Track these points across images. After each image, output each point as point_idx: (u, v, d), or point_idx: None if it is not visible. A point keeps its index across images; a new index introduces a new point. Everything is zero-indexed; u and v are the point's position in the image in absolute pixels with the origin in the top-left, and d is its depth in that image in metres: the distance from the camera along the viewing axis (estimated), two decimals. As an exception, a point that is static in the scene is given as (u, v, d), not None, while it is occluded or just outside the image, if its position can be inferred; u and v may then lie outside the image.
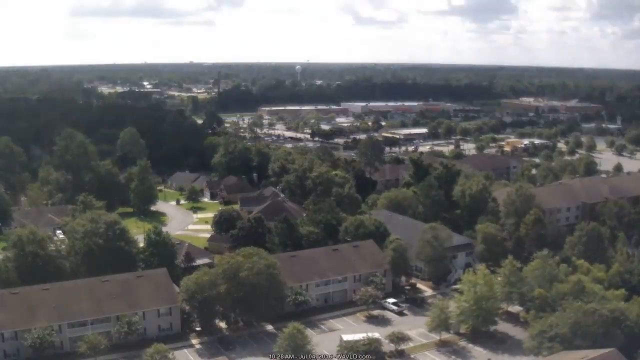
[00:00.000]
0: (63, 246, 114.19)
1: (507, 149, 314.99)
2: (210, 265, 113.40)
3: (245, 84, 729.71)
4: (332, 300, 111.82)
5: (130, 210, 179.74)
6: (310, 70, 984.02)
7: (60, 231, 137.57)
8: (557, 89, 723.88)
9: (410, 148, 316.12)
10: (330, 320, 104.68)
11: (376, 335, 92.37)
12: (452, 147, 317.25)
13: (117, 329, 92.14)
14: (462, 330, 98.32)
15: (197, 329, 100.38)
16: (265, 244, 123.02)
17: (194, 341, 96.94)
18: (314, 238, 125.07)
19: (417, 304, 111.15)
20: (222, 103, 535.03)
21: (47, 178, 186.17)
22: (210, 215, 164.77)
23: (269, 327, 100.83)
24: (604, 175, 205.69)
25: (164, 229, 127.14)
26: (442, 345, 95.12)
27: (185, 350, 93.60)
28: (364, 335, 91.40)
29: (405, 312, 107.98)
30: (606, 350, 72.82)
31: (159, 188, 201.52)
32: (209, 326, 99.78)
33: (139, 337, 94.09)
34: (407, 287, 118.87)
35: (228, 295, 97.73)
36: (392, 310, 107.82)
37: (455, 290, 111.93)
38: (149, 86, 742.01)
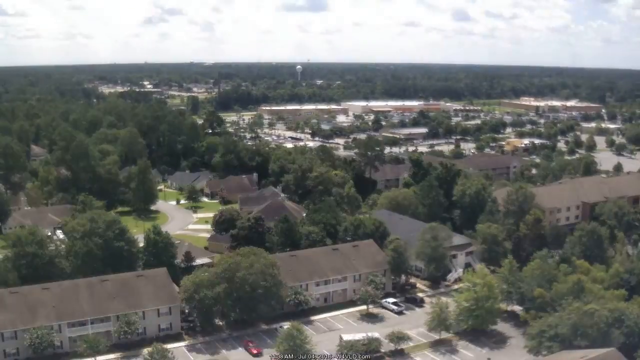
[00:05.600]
0: (63, 246, 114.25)
1: (508, 148, 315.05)
2: (210, 265, 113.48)
3: (245, 84, 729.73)
4: (331, 300, 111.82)
5: (130, 209, 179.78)
6: (311, 70, 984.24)
7: (60, 231, 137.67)
8: (557, 89, 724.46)
9: (411, 148, 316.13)
10: (330, 320, 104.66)
11: (376, 334, 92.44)
12: (452, 147, 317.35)
13: (117, 329, 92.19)
14: (461, 330, 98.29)
15: (197, 328, 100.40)
16: (265, 243, 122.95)
17: (194, 340, 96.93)
18: (313, 238, 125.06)
19: (416, 303, 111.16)
20: (223, 103, 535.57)
21: (47, 178, 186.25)
22: (210, 215, 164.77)
23: (269, 327, 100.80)
24: (603, 175, 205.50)
25: (164, 229, 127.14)
26: (441, 345, 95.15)
27: (185, 349, 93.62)
28: (364, 334, 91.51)
29: (404, 311, 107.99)
30: (606, 350, 72.75)
31: (159, 188, 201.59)
32: (209, 325, 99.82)
33: (139, 337, 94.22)
34: (407, 287, 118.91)
35: (227, 294, 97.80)
36: (392, 310, 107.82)
37: (455, 290, 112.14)
38: (149, 86, 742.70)
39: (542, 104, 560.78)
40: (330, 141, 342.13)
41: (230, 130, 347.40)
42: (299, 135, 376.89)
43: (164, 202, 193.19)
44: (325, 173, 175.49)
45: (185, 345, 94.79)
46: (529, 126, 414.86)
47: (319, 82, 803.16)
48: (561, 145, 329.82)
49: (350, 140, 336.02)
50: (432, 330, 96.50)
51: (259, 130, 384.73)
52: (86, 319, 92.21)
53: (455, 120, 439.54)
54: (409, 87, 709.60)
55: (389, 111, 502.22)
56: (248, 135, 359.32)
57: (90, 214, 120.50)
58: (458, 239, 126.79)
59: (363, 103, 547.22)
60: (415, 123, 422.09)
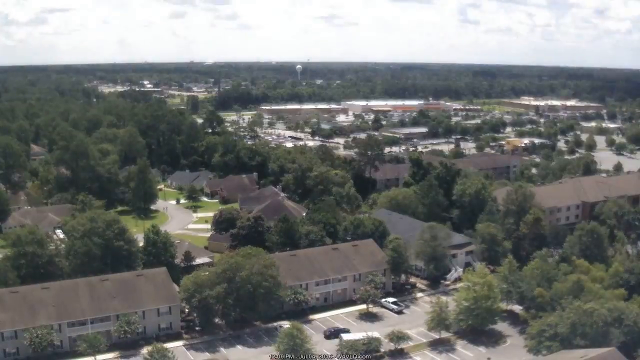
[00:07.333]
0: (62, 245, 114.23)
1: (508, 148, 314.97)
2: (210, 265, 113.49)
3: (245, 84, 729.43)
4: (331, 300, 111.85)
5: (129, 209, 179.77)
6: (311, 70, 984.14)
7: (60, 230, 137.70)
8: (557, 88, 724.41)
9: (411, 148, 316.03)
10: (330, 320, 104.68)
11: (376, 334, 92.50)
12: (452, 146, 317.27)
13: (117, 328, 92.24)
14: (461, 330, 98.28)
15: (197, 328, 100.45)
16: (265, 243, 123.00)
17: (193, 340, 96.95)
18: (313, 237, 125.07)
19: (416, 303, 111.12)
20: (222, 102, 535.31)
21: (47, 177, 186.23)
22: (210, 214, 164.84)
23: (269, 326, 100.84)
24: (603, 175, 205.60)
25: (164, 228, 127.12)
26: (441, 345, 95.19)
27: (185, 348, 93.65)
28: (364, 334, 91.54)
29: (404, 311, 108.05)
30: (606, 350, 72.77)
31: (158, 187, 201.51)
32: (209, 325, 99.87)
33: (139, 336, 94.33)
34: (407, 286, 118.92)
35: (227, 294, 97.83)
36: (392, 310, 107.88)
37: (455, 289, 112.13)
38: (149, 85, 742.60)
39: (542, 103, 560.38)
40: (330, 141, 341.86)
41: (230, 129, 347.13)
42: (299, 134, 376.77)
43: (164, 202, 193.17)
44: (325, 173, 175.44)
45: (185, 345, 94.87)
46: (529, 126, 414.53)
47: (319, 81, 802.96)
48: (561, 144, 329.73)
49: (350, 139, 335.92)
50: (432, 329, 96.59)
51: (258, 130, 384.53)
52: (86, 318, 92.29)
53: (455, 119, 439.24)
54: (409, 87, 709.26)
55: (389, 111, 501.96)
56: (248, 135, 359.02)
57: (90, 213, 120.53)
58: (458, 239, 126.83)
59: (363, 103, 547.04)
60: (415, 122, 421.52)
